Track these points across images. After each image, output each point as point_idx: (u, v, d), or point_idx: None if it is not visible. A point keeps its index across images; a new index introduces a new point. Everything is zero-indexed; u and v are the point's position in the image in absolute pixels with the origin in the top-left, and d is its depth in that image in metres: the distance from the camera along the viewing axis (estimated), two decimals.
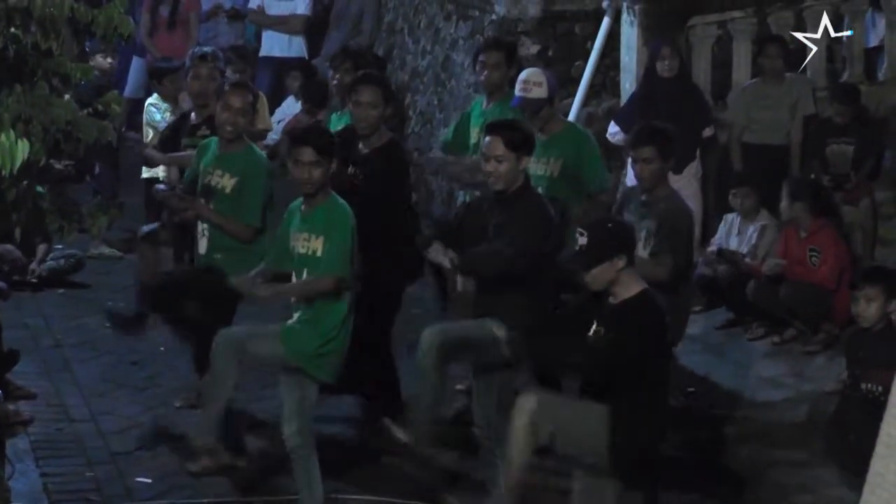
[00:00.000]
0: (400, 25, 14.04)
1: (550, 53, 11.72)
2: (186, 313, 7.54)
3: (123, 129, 12.68)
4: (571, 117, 10.77)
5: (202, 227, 7.64)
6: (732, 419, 8.46)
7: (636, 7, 10.82)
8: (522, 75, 8.23)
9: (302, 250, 6.78)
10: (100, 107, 6.40)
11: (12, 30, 5.89)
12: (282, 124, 12.95)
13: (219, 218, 7.54)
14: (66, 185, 10.75)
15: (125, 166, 11.82)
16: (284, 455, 6.83)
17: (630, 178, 8.95)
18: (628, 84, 10.94)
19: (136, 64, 14.29)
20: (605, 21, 11.42)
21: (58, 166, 10.31)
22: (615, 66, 11.27)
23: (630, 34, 10.96)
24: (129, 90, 14.04)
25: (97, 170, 12.34)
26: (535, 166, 7.63)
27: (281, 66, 14.24)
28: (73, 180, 11.80)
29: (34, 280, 10.59)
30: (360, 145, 7.74)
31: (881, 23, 10.99)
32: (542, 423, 6.04)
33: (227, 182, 7.56)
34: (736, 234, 9.62)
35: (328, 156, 6.78)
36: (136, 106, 12.40)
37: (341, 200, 6.83)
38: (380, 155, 7.71)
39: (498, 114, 8.22)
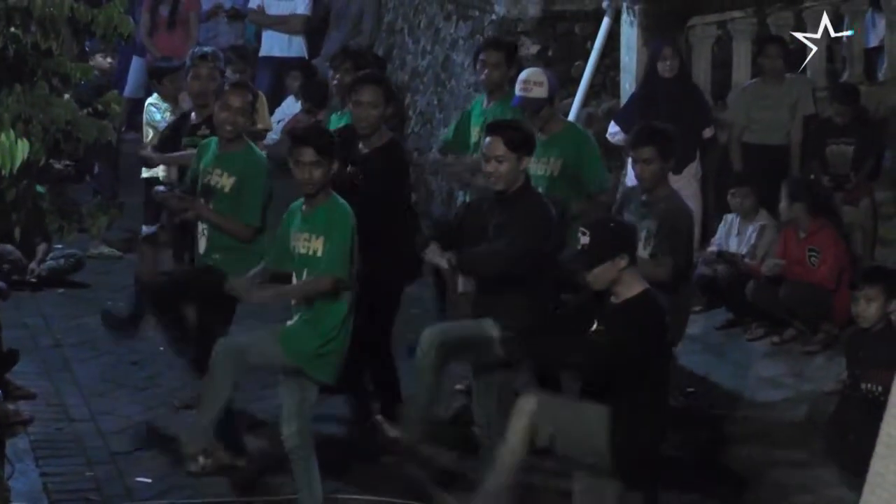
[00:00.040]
0: (400, 25, 14.04)
1: (550, 53, 11.72)
2: (186, 316, 7.54)
3: (123, 129, 12.70)
4: (571, 117, 10.77)
5: (202, 226, 7.64)
6: (732, 419, 8.47)
7: (636, 7, 10.82)
8: (523, 75, 8.24)
9: (302, 250, 6.78)
10: (100, 107, 6.39)
11: (12, 29, 5.88)
12: (281, 124, 12.95)
13: (218, 218, 7.54)
14: (66, 185, 10.77)
15: (125, 166, 11.82)
16: (284, 455, 6.83)
17: (630, 178, 8.95)
18: (628, 84, 10.94)
19: (136, 64, 14.30)
20: (605, 21, 11.42)
21: (57, 166, 10.33)
22: (615, 66, 11.27)
23: (630, 34, 10.96)
24: (128, 90, 14.05)
25: (97, 170, 12.34)
26: (535, 166, 7.64)
27: (281, 65, 14.24)
28: (72, 180, 11.81)
29: (34, 280, 10.59)
30: (360, 145, 7.74)
31: (881, 23, 10.99)
32: (542, 424, 6.04)
33: (226, 181, 7.55)
34: (735, 235, 9.62)
35: (329, 156, 6.77)
36: (136, 106, 12.40)
37: (342, 200, 6.83)
38: (380, 155, 7.71)
39: (498, 113, 8.23)
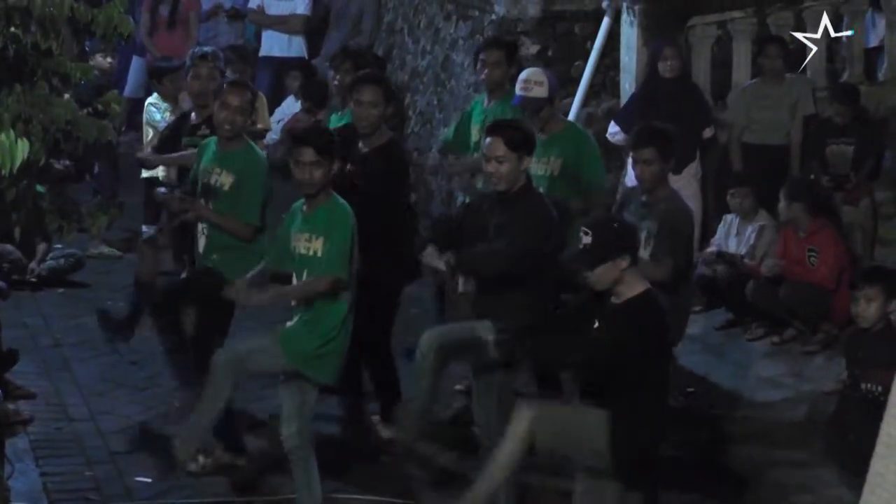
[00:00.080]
0: (400, 25, 14.04)
1: (550, 53, 11.72)
2: (184, 323, 7.55)
3: (123, 129, 12.71)
4: (571, 117, 10.77)
5: (201, 226, 7.64)
6: (732, 419, 8.47)
7: (636, 7, 10.83)
8: (523, 74, 8.25)
9: (303, 251, 6.77)
10: (100, 106, 6.38)
11: (12, 29, 5.87)
12: (281, 124, 12.96)
13: (218, 217, 7.53)
14: (66, 185, 10.77)
15: (125, 166, 11.82)
16: (283, 455, 6.83)
17: (630, 179, 8.95)
18: (628, 84, 10.94)
19: (136, 63, 14.30)
20: (605, 21, 11.42)
21: (57, 166, 10.34)
22: (615, 66, 11.27)
23: (630, 34, 10.96)
24: (128, 90, 14.05)
25: (97, 169, 12.34)
26: (536, 166, 7.64)
27: (281, 65, 14.24)
28: (72, 180, 11.80)
29: (34, 279, 10.59)
30: (360, 144, 7.74)
31: (881, 23, 10.99)
32: (541, 432, 6.03)
33: (225, 180, 7.55)
34: (734, 235, 9.62)
35: (329, 156, 6.76)
36: (136, 105, 12.41)
37: (342, 201, 6.82)
38: (379, 154, 7.71)
39: (498, 112, 8.24)
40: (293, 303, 6.87)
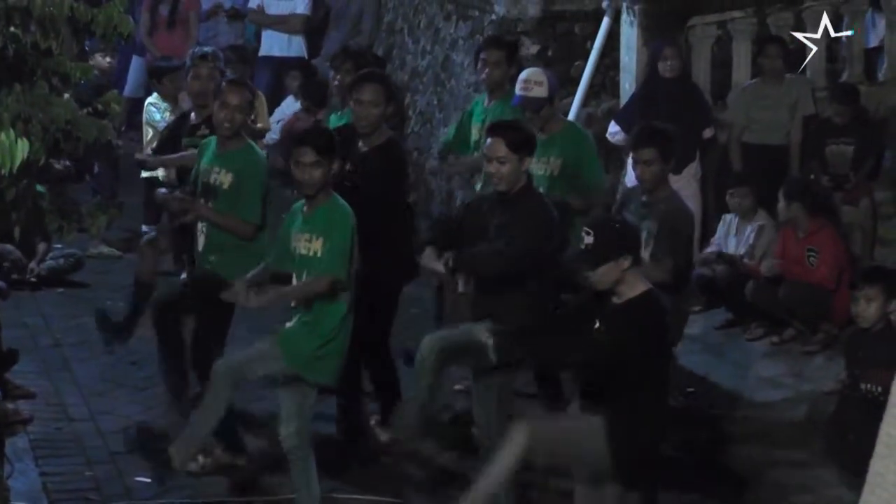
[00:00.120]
0: (399, 25, 14.04)
1: (550, 53, 11.73)
2: (184, 330, 7.57)
3: (123, 129, 12.70)
4: (571, 117, 10.77)
5: (201, 224, 7.64)
6: (732, 419, 8.47)
7: (636, 7, 10.83)
8: (523, 74, 8.25)
9: (303, 251, 6.77)
10: (99, 106, 6.38)
11: (12, 29, 5.87)
12: (281, 124, 12.96)
13: (218, 217, 7.53)
14: (66, 185, 10.77)
15: (124, 166, 11.82)
16: (283, 455, 6.82)
17: (630, 179, 8.95)
18: (628, 84, 10.94)
19: (136, 63, 14.30)
20: (605, 21, 11.42)
21: (57, 166, 10.34)
22: (615, 66, 11.27)
23: (630, 34, 10.96)
24: (128, 89, 14.06)
25: (96, 169, 12.34)
26: (535, 166, 7.63)
27: (280, 65, 14.23)
28: (72, 180, 11.80)
29: (33, 279, 10.59)
30: (360, 143, 7.74)
31: (881, 23, 10.99)
32: (538, 449, 6.03)
33: (224, 178, 7.55)
34: (734, 235, 9.63)
35: (329, 157, 6.76)
36: (136, 105, 12.42)
37: (342, 201, 6.82)
38: (378, 153, 7.71)
39: (499, 112, 8.24)
40: (292, 303, 6.86)
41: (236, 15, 15.21)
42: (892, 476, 4.18)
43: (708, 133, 10.15)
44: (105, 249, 11.47)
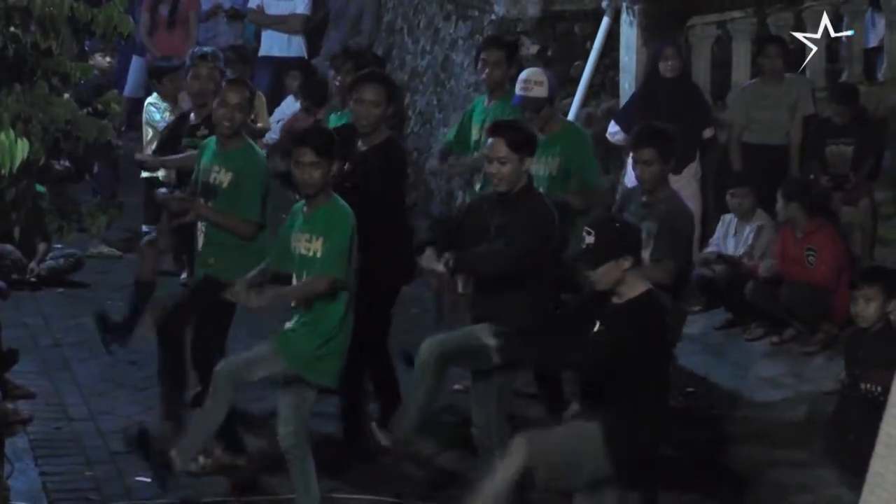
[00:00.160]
0: (399, 25, 14.04)
1: (550, 53, 11.73)
2: (184, 343, 7.59)
3: (123, 129, 12.69)
4: (571, 117, 10.77)
5: (201, 223, 7.64)
6: (732, 419, 8.47)
7: (635, 7, 10.83)
8: (523, 74, 8.25)
9: (303, 251, 6.77)
10: (99, 106, 6.38)
11: (12, 29, 5.87)
12: (280, 124, 12.96)
13: (217, 216, 7.53)
14: (66, 185, 10.77)
15: (124, 166, 11.82)
16: (283, 454, 6.82)
17: (630, 179, 8.95)
18: (627, 84, 10.94)
19: (136, 63, 14.30)
20: (605, 21, 11.42)
21: (57, 167, 10.34)
22: (614, 66, 11.27)
23: (629, 34, 10.96)
24: (128, 89, 14.06)
25: (96, 169, 12.34)
26: (535, 166, 7.62)
27: (280, 65, 14.23)
28: (72, 180, 11.80)
29: (33, 279, 10.60)
30: (359, 143, 7.74)
31: (881, 23, 10.99)
32: (538, 465, 6.03)
33: (224, 177, 7.55)
34: (733, 235, 9.63)
35: (328, 157, 6.76)
36: (136, 105, 12.41)
37: (343, 202, 6.82)
38: (378, 153, 7.71)
39: (499, 112, 8.24)
40: (292, 303, 6.86)
41: (236, 15, 15.21)
42: (891, 476, 4.19)
43: (708, 133, 10.15)
44: (105, 249, 11.47)
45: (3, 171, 5.45)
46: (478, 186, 8.35)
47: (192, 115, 8.73)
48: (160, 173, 9.58)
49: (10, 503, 6.80)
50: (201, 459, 7.37)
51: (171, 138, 8.77)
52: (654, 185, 7.57)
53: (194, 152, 7.98)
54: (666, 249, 7.34)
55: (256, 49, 14.54)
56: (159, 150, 8.94)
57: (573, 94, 11.32)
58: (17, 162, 5.43)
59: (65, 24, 5.95)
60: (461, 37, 12.61)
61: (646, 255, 7.23)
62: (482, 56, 8.62)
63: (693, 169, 9.92)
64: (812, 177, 9.87)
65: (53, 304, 10.32)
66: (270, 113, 12.48)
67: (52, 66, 6.01)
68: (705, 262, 9.51)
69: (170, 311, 7.68)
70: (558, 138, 8.10)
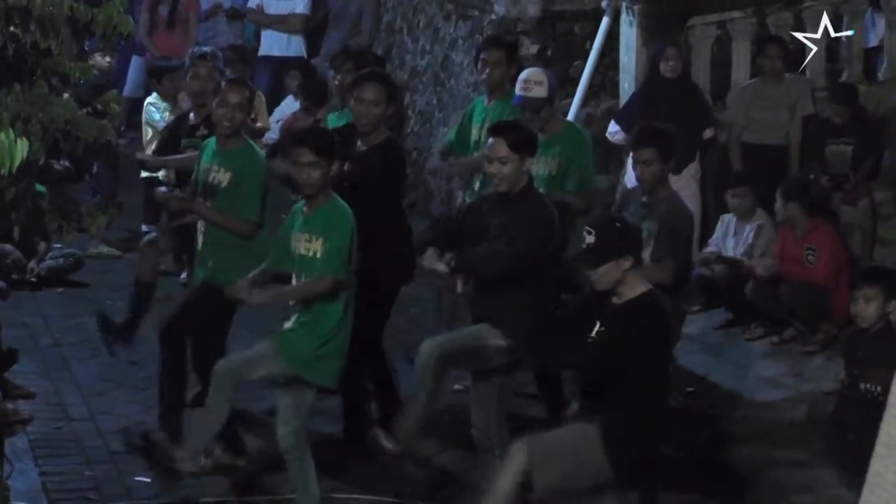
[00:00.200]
0: (399, 25, 14.05)
1: (549, 53, 11.73)
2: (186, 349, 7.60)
3: (123, 129, 12.70)
4: (570, 117, 10.78)
5: (201, 223, 7.64)
6: (732, 419, 8.47)
7: (635, 7, 10.83)
8: (523, 74, 8.25)
9: (303, 251, 6.77)
10: (99, 106, 6.38)
11: (11, 28, 5.87)
12: (280, 123, 12.96)
13: (216, 215, 7.53)
14: (66, 185, 10.77)
15: (124, 166, 11.82)
16: (282, 454, 6.83)
17: (630, 179, 8.95)
18: (627, 84, 10.94)
19: (136, 63, 14.30)
20: (605, 21, 11.42)
21: (56, 167, 10.34)
22: (614, 65, 11.27)
23: (629, 34, 10.96)
24: (128, 89, 14.05)
25: (96, 169, 12.34)
26: (535, 166, 7.62)
27: (280, 65, 14.23)
28: (72, 180, 11.80)
29: (33, 279, 10.59)
30: (359, 143, 7.73)
31: (881, 23, 11.00)
32: (535, 471, 6.03)
33: (223, 177, 7.55)
34: (732, 235, 9.62)
35: (327, 157, 6.76)
36: (136, 105, 12.42)
37: (342, 202, 6.82)
38: (377, 153, 7.70)
39: (499, 112, 8.24)
40: (290, 303, 6.86)
41: (236, 15, 15.21)
42: (891, 476, 4.19)
43: (708, 133, 10.14)
44: (105, 249, 11.46)
45: (2, 171, 5.44)
46: (477, 186, 8.35)
47: (191, 114, 8.73)
48: (160, 173, 9.58)
49: (10, 503, 6.79)
50: (202, 460, 7.37)
51: (171, 138, 8.77)
52: (654, 185, 7.57)
53: (195, 153, 7.97)
54: (666, 249, 7.34)
55: (256, 49, 14.54)
56: (159, 151, 8.94)
57: (573, 94, 11.32)
58: (17, 162, 5.43)
59: (64, 23, 5.95)
60: (461, 36, 12.61)
61: (646, 255, 7.23)
62: (482, 56, 8.61)
63: (693, 169, 9.92)
64: (812, 177, 9.87)
65: (53, 303, 10.32)
66: (270, 113, 12.48)
67: (52, 65, 6.01)
68: (705, 261, 9.51)
69: (171, 316, 7.68)
70: (558, 138, 8.10)
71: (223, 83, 7.77)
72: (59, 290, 10.62)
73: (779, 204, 9.23)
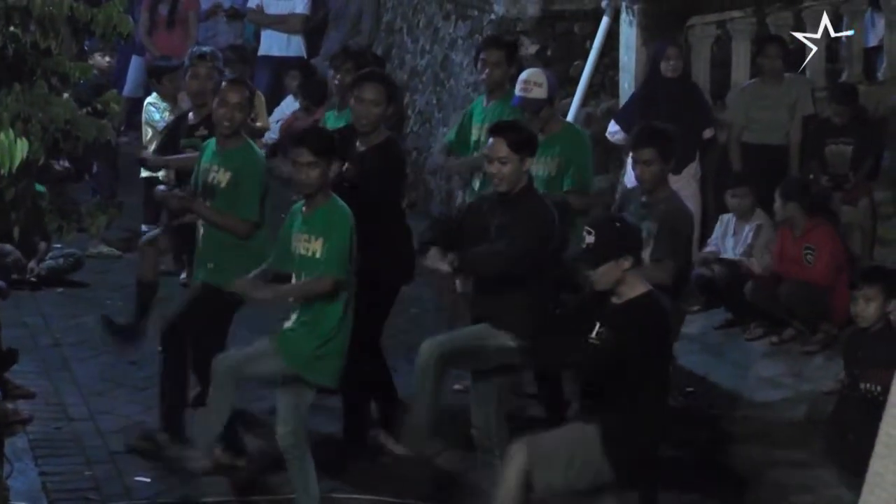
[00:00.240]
0: (399, 25, 14.05)
1: (549, 53, 11.73)
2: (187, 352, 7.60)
3: (122, 129, 12.70)
4: (570, 117, 10.78)
5: (201, 223, 7.64)
6: (731, 419, 8.47)
7: (635, 7, 10.82)
8: (523, 75, 8.24)
9: (302, 251, 6.77)
10: (99, 106, 6.38)
11: (11, 28, 5.87)
12: (280, 123, 12.96)
13: (215, 215, 7.53)
14: (66, 185, 10.76)
15: (124, 165, 11.82)
16: (282, 454, 6.83)
17: (629, 179, 8.95)
18: (627, 84, 10.94)
19: (135, 63, 14.29)
20: (604, 21, 11.42)
21: (56, 167, 10.33)
22: (614, 65, 11.27)
23: (629, 34, 10.96)
24: (128, 89, 14.05)
25: (96, 169, 12.34)
26: (534, 166, 7.62)
27: (280, 65, 14.24)
28: (72, 179, 11.80)
29: (33, 279, 10.59)
30: (358, 143, 7.73)
31: (880, 23, 11.00)
32: (535, 471, 6.03)
33: (222, 177, 7.55)
34: (731, 235, 9.62)
35: (326, 157, 6.76)
36: (135, 105, 12.42)
37: (342, 202, 6.82)
38: (377, 153, 7.70)
39: (498, 112, 8.24)
40: (290, 300, 6.86)
41: (235, 14, 15.22)
42: (891, 476, 4.19)
43: (708, 133, 10.14)
44: (104, 249, 11.46)
45: (2, 171, 5.45)
46: (477, 185, 8.35)
47: (190, 114, 8.72)
48: (160, 173, 9.58)
49: (10, 503, 6.79)
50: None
51: (170, 137, 8.77)
52: (654, 185, 7.57)
53: (197, 153, 7.97)
54: (666, 249, 7.34)
55: (256, 49, 14.54)
56: (160, 151, 8.93)
57: (573, 94, 11.32)
58: (17, 162, 5.43)
59: (64, 23, 5.95)
60: (460, 36, 12.61)
61: (645, 254, 7.23)
62: (482, 56, 8.60)
63: (693, 169, 9.92)
64: (812, 177, 9.87)
65: (53, 303, 10.31)
66: (270, 113, 12.48)
67: (52, 65, 6.01)
68: (704, 261, 9.51)
69: (172, 317, 7.67)
70: (558, 139, 8.09)
71: (223, 83, 7.77)
72: (59, 290, 10.62)
73: (778, 204, 9.24)
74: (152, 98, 10.77)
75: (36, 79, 5.95)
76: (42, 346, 9.36)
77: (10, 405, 7.97)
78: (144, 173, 10.37)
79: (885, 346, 7.40)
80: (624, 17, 11.01)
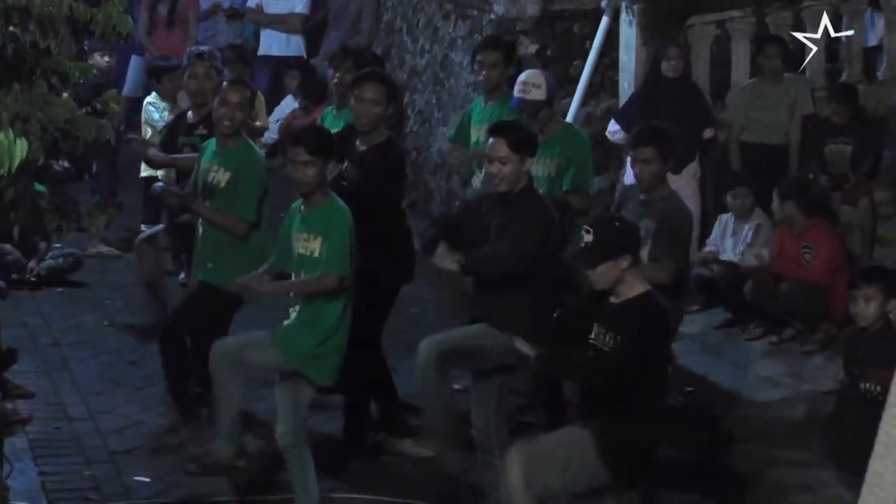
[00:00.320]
0: (398, 24, 14.05)
1: (549, 53, 11.72)
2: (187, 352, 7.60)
3: (122, 128, 12.69)
4: (570, 117, 10.78)
5: (201, 222, 7.65)
6: (731, 419, 8.47)
7: (635, 6, 10.82)
8: (522, 77, 8.23)
9: (301, 250, 6.78)
10: (98, 105, 6.38)
11: (11, 28, 5.87)
12: (279, 123, 12.96)
13: (214, 214, 7.54)
14: (65, 184, 10.75)
15: (123, 165, 11.82)
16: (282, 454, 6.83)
17: (628, 177, 8.95)
18: (627, 83, 10.94)
19: (135, 62, 14.28)
20: (604, 20, 11.41)
21: (56, 167, 10.32)
22: (614, 65, 11.27)
23: (629, 34, 10.96)
24: (127, 89, 14.03)
25: (95, 169, 12.33)
26: (534, 167, 7.62)
27: (279, 64, 14.24)
28: (71, 179, 11.80)
29: (33, 279, 10.58)
30: (358, 142, 7.73)
31: (880, 22, 11.01)
32: (535, 473, 6.02)
33: (222, 176, 7.56)
34: (731, 235, 9.63)
35: (323, 156, 6.76)
36: (135, 105, 12.40)
37: (340, 202, 6.82)
38: (377, 153, 7.70)
39: (497, 113, 8.23)
40: (290, 295, 6.86)
41: (235, 14, 15.21)
42: (890, 476, 4.19)
43: (708, 133, 10.14)
44: (104, 249, 11.46)
45: (2, 171, 5.45)
46: (475, 178, 8.34)
47: (189, 113, 8.73)
48: (160, 172, 9.57)
49: (10, 503, 6.79)
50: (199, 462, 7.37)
51: (170, 136, 8.78)
52: (653, 184, 7.57)
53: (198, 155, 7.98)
54: (664, 249, 7.33)
55: (255, 48, 14.54)
56: (160, 151, 8.93)
57: (572, 94, 11.32)
58: (16, 161, 5.43)
59: (64, 23, 5.95)
60: (460, 36, 12.61)
61: (644, 253, 7.23)
62: (478, 58, 8.58)
63: (692, 169, 9.92)
64: (811, 176, 9.87)
65: (53, 303, 10.31)
66: (269, 112, 12.47)
67: (51, 65, 6.01)
68: (704, 261, 9.51)
69: (171, 317, 7.67)
70: (557, 139, 8.08)
71: (225, 83, 7.77)
72: (59, 289, 10.61)
73: (775, 203, 9.24)
74: (152, 98, 10.77)
75: (35, 78, 5.95)
76: (41, 345, 9.36)
77: (9, 405, 7.98)
78: (144, 172, 10.36)
79: (885, 346, 7.40)
80: (624, 16, 11.01)
